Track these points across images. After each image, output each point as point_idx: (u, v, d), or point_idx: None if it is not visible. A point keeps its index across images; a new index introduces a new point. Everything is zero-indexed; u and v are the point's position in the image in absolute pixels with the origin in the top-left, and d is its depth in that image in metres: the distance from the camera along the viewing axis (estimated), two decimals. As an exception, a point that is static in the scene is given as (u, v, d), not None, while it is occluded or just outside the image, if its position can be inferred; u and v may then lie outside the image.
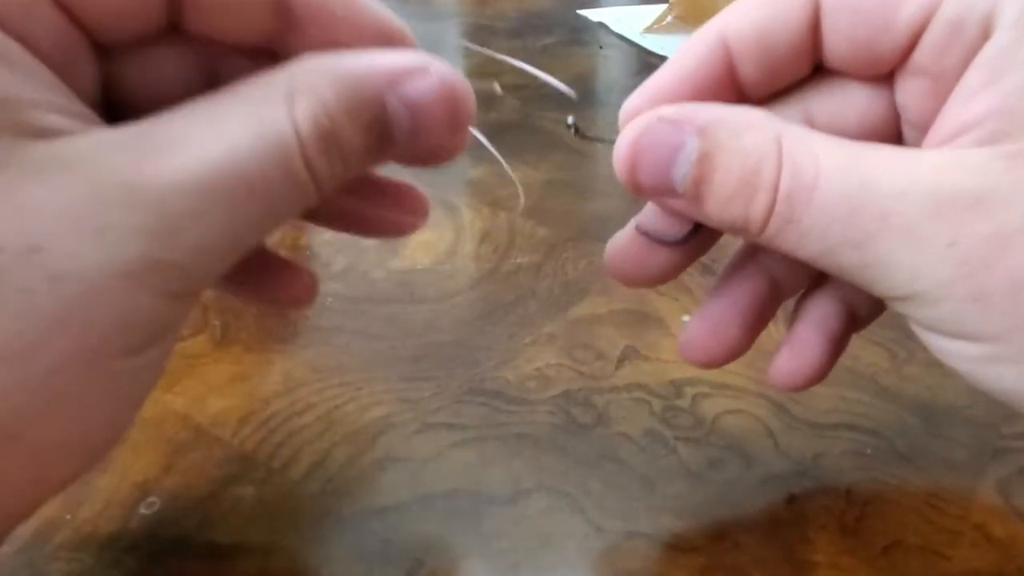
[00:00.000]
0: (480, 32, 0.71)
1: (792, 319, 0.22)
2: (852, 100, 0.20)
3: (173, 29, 0.17)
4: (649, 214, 0.21)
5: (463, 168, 0.42)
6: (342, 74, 0.16)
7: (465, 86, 0.17)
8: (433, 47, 0.74)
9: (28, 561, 0.21)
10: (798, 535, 0.22)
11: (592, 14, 0.75)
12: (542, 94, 0.55)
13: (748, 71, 0.20)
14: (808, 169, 0.18)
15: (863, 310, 0.22)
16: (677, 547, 0.22)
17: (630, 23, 0.70)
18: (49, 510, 0.23)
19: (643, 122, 0.19)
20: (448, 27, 0.73)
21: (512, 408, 0.27)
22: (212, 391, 0.27)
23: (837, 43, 0.19)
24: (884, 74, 0.20)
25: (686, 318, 0.31)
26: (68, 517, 0.22)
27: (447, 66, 0.17)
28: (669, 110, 0.19)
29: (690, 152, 0.18)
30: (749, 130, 0.18)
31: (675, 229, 0.20)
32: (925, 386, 0.28)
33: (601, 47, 0.67)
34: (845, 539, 0.22)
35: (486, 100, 0.54)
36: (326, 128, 0.16)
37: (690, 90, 0.20)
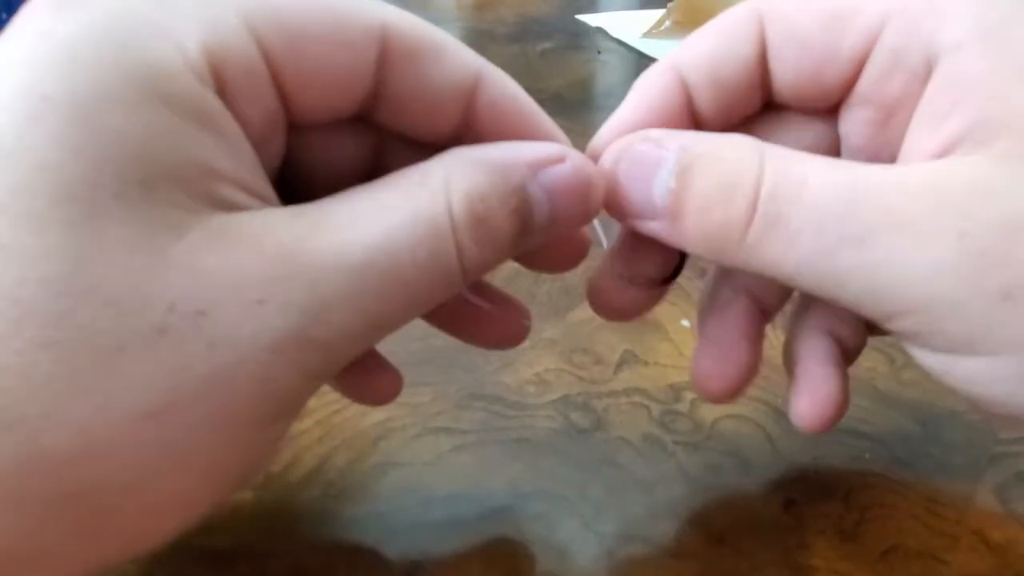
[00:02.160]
0: (479, 37, 0.71)
1: (791, 363, 0.22)
2: (801, 134, 0.21)
3: (360, 116, 0.18)
4: (626, 258, 0.21)
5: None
6: (492, 162, 0.17)
7: (597, 174, 0.18)
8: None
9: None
10: (796, 540, 0.22)
11: (590, 19, 0.75)
12: (541, 99, 0.55)
13: (703, 104, 0.20)
14: (795, 169, 0.17)
15: (849, 342, 0.22)
16: (675, 552, 0.22)
17: (628, 28, 0.70)
18: (48, 514, 0.23)
19: (624, 143, 0.19)
20: (447, 32, 0.73)
21: (511, 413, 0.27)
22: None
23: (784, 75, 0.20)
24: (831, 106, 0.20)
25: (685, 323, 0.31)
26: (67, 521, 0.22)
27: (583, 157, 0.18)
28: (652, 131, 0.19)
29: (671, 167, 0.18)
30: (730, 143, 0.18)
31: (652, 270, 0.21)
32: (923, 391, 0.28)
33: (599, 52, 0.67)
34: (843, 544, 0.22)
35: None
36: (479, 213, 0.16)
37: (651, 124, 0.20)
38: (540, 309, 0.32)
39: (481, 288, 0.22)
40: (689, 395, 0.28)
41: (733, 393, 0.21)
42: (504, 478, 0.24)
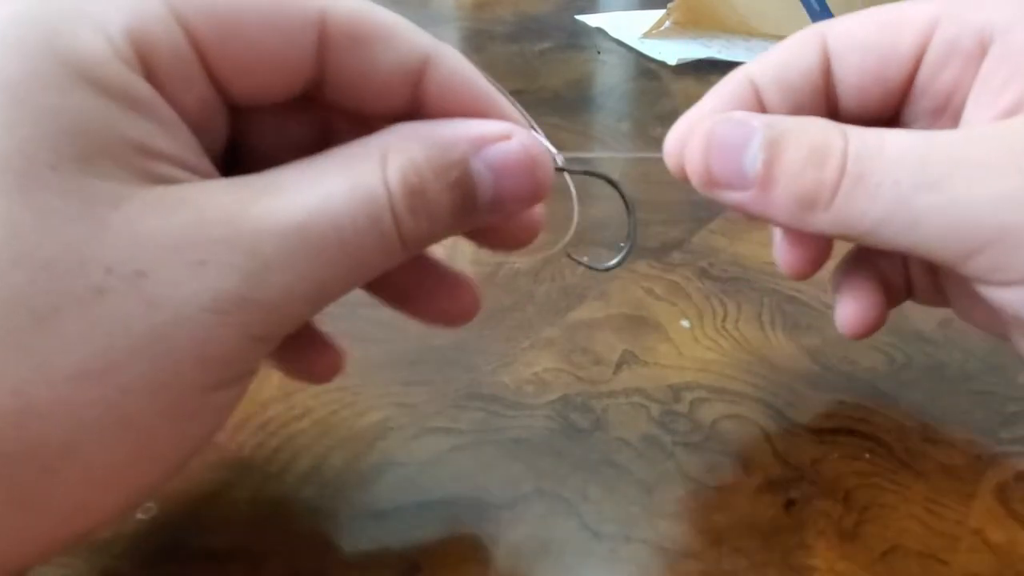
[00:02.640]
0: (478, 37, 0.71)
1: (838, 283, 0.25)
2: None
3: (305, 97, 0.18)
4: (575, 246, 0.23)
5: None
6: (432, 137, 0.17)
7: (544, 155, 0.19)
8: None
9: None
10: (796, 540, 0.22)
11: (590, 19, 0.75)
12: (540, 99, 0.55)
13: (772, 108, 0.23)
14: (871, 135, 0.20)
15: (892, 279, 0.25)
16: (675, 552, 0.22)
17: (628, 28, 0.70)
18: (44, 515, 0.22)
19: (710, 123, 0.21)
20: (446, 31, 0.73)
21: (510, 413, 0.27)
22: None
23: (849, 78, 0.22)
24: (892, 110, 0.23)
25: (685, 323, 0.31)
26: (63, 522, 0.22)
27: (531, 135, 0.18)
28: (735, 113, 0.21)
29: (759, 140, 0.20)
30: (810, 119, 0.21)
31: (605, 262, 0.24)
32: (923, 391, 0.28)
33: (599, 52, 0.67)
34: (843, 544, 0.22)
35: (586, 191, 0.54)
36: (415, 185, 0.17)
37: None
38: (539, 309, 0.32)
39: (427, 262, 0.22)
40: (688, 395, 0.27)
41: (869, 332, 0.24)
42: (503, 478, 0.24)
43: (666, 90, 0.58)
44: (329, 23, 0.17)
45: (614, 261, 0.24)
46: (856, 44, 0.22)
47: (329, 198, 0.16)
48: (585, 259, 0.23)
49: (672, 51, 0.63)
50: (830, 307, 0.32)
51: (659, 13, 0.69)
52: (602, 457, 0.25)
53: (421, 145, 0.17)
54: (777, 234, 0.24)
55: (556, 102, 0.54)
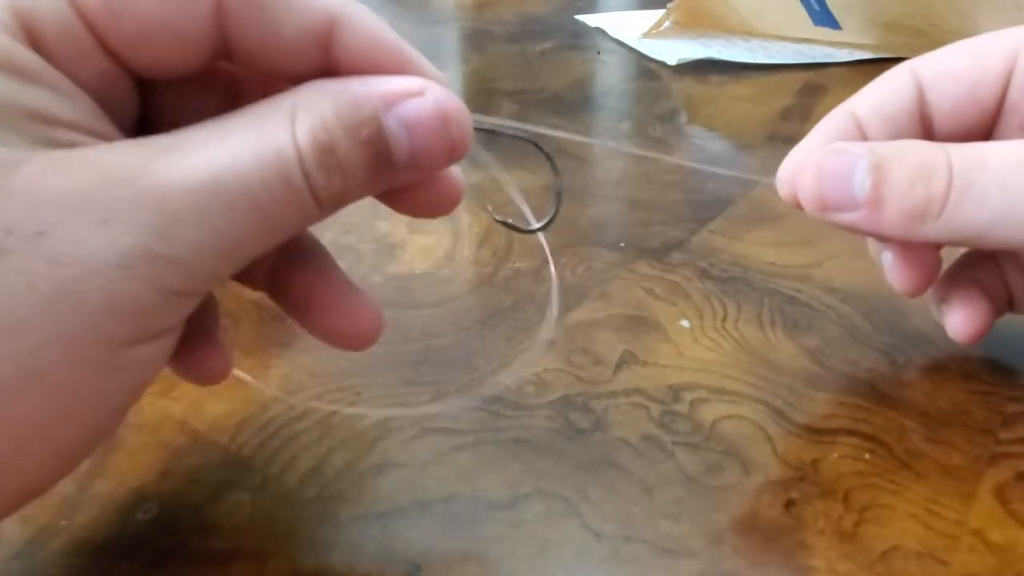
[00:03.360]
0: (478, 37, 0.71)
1: (944, 294, 0.27)
2: None
3: (218, 68, 0.19)
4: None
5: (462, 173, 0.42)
6: (342, 94, 0.17)
7: (461, 110, 0.18)
8: (431, 52, 0.74)
9: (23, 568, 0.21)
10: (796, 540, 0.22)
11: (590, 19, 0.75)
12: (540, 99, 0.55)
13: (873, 137, 0.25)
14: (972, 149, 0.22)
15: (994, 291, 0.27)
16: (675, 552, 0.22)
17: (628, 28, 0.70)
18: (44, 516, 0.23)
19: (817, 155, 0.24)
20: (446, 32, 0.73)
21: (510, 413, 0.27)
22: (210, 396, 0.27)
23: (943, 104, 0.25)
24: (984, 131, 0.26)
25: (685, 323, 0.31)
26: (64, 523, 0.22)
27: (446, 91, 0.18)
28: (838, 144, 0.24)
29: (864, 165, 0.23)
30: (909, 142, 0.23)
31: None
32: (923, 392, 0.28)
33: (599, 52, 0.67)
34: (843, 544, 0.22)
35: (484, 104, 0.54)
36: (323, 142, 0.17)
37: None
38: (539, 309, 0.32)
39: (333, 277, 0.22)
40: (688, 395, 0.27)
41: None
42: (503, 478, 0.24)
43: (666, 90, 0.58)
44: None
45: (540, 224, 0.23)
46: (947, 72, 0.25)
47: (238, 155, 0.16)
48: (510, 220, 0.23)
49: (672, 51, 0.63)
50: (830, 307, 0.32)
51: (659, 13, 0.69)
52: (602, 457, 0.25)
53: (330, 102, 0.17)
54: (888, 257, 0.26)
55: (556, 102, 0.54)
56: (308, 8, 0.18)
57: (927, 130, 0.26)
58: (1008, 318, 0.29)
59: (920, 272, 0.26)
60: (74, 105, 0.17)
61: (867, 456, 0.25)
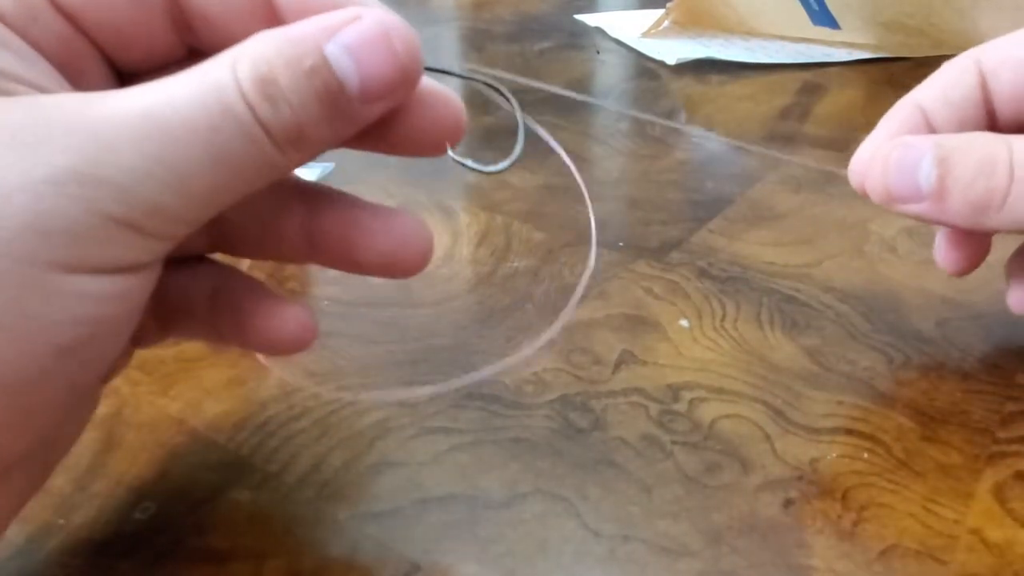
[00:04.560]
0: (478, 36, 0.71)
1: (1013, 271, 0.28)
2: None
3: (190, 54, 0.19)
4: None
5: (460, 172, 0.42)
6: (284, 34, 0.17)
7: (403, 26, 0.18)
8: (430, 51, 0.74)
9: (21, 568, 0.21)
10: (795, 540, 0.22)
11: (589, 19, 0.75)
12: (539, 98, 0.55)
13: (939, 125, 0.27)
14: None
15: None
16: (674, 551, 0.22)
17: (627, 28, 0.70)
18: (42, 515, 0.22)
19: (884, 150, 0.25)
20: (445, 31, 0.73)
21: (509, 412, 0.27)
22: (208, 395, 0.27)
23: (1004, 93, 0.26)
24: None
25: (684, 323, 0.31)
26: (61, 522, 0.22)
27: (385, 11, 0.18)
28: (905, 138, 0.25)
29: (930, 159, 0.24)
30: (973, 135, 0.24)
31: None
32: (921, 391, 0.28)
33: (598, 52, 0.67)
34: (841, 543, 0.22)
35: (483, 104, 0.54)
36: (264, 73, 0.17)
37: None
38: (538, 308, 0.32)
39: (254, 287, 0.21)
40: (687, 395, 0.27)
41: None
42: (502, 478, 0.24)
43: (665, 89, 0.58)
44: None
45: (501, 165, 0.22)
46: (1008, 60, 0.26)
47: (176, 90, 0.16)
48: (469, 161, 0.22)
49: (671, 50, 0.63)
50: (829, 307, 0.32)
51: (658, 13, 0.69)
52: (601, 457, 0.25)
53: (270, 40, 0.17)
54: (939, 236, 0.28)
55: (556, 102, 0.54)
56: None
57: (991, 118, 0.27)
58: (1007, 318, 0.29)
59: (967, 255, 0.28)
60: (29, 65, 0.17)
61: (865, 455, 0.25)
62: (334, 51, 0.17)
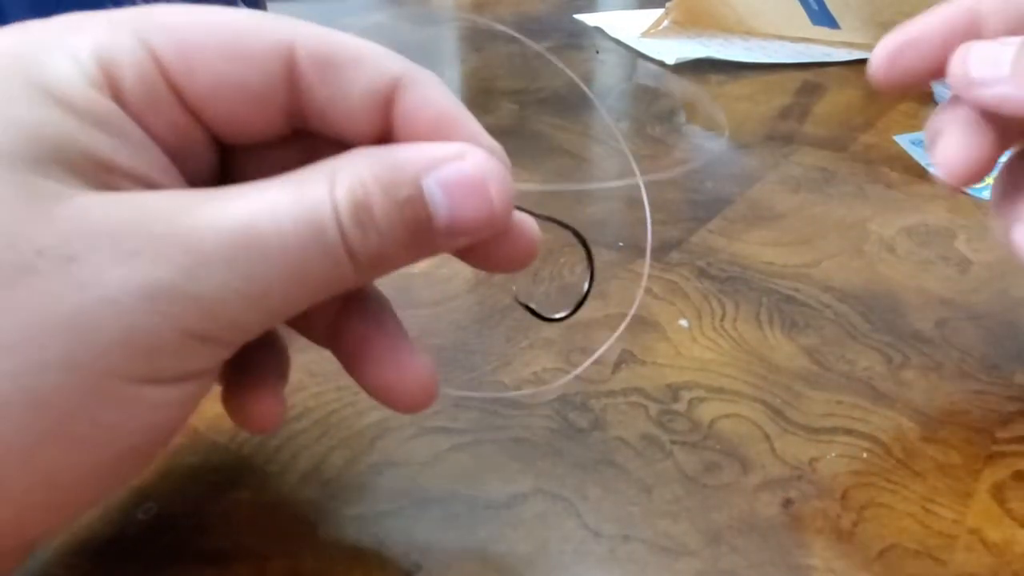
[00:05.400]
0: (477, 37, 0.71)
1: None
2: None
3: (293, 132, 0.19)
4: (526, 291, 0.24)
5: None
6: (385, 157, 0.18)
7: (503, 175, 0.18)
8: (430, 51, 0.74)
9: (24, 568, 0.21)
10: (794, 539, 0.22)
11: (588, 18, 0.75)
12: (539, 99, 0.55)
13: (994, 29, 0.25)
14: None
15: None
16: (673, 551, 0.22)
17: (627, 28, 0.70)
18: (45, 515, 0.23)
19: (966, 46, 0.24)
20: (445, 31, 0.73)
21: (509, 412, 0.27)
22: (209, 396, 0.27)
23: None
24: None
25: (683, 322, 0.31)
26: (64, 522, 0.22)
27: (488, 156, 0.18)
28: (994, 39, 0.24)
29: (1012, 51, 0.23)
30: None
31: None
32: (920, 390, 0.28)
33: (597, 52, 0.67)
34: (841, 543, 0.22)
35: (483, 104, 0.54)
36: (360, 198, 0.17)
37: (943, 33, 0.25)
38: (538, 309, 0.32)
39: (389, 331, 0.21)
40: (687, 395, 0.28)
41: None
42: (502, 478, 0.24)
43: (665, 89, 0.58)
44: (298, 51, 0.18)
45: (564, 313, 0.23)
46: None
47: (274, 206, 0.16)
48: (533, 305, 0.23)
49: (670, 50, 0.63)
50: (828, 306, 0.32)
51: (657, 12, 0.69)
52: (601, 456, 0.25)
53: (371, 163, 0.17)
54: (949, 135, 0.25)
55: (555, 102, 0.54)
56: (376, 67, 0.18)
57: None
58: (1007, 317, 0.29)
59: (977, 156, 0.25)
60: (139, 155, 0.17)
61: (865, 455, 0.25)
62: (431, 186, 0.18)
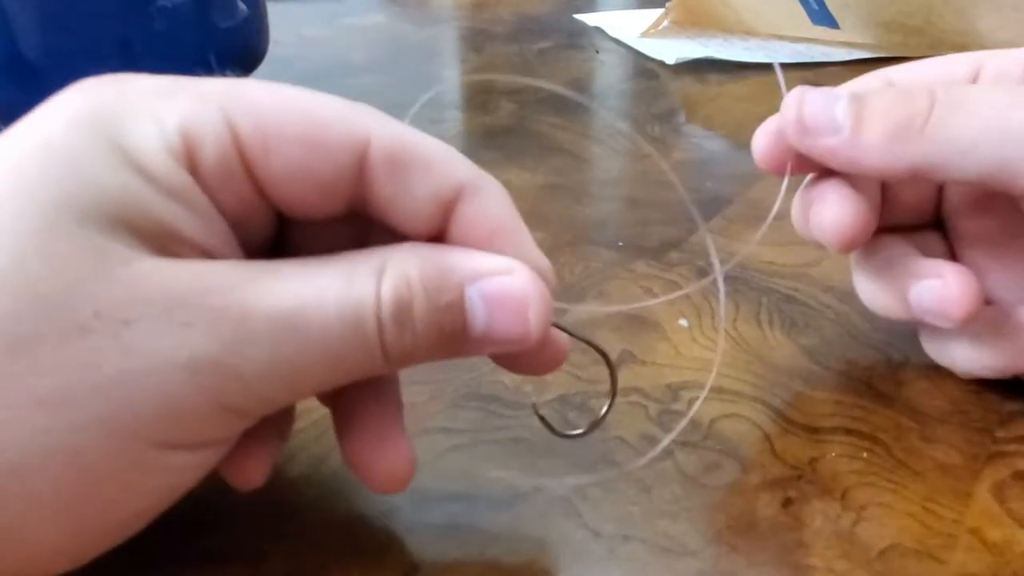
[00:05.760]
0: (477, 36, 0.71)
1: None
2: None
3: (351, 212, 0.19)
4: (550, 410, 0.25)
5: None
6: (435, 259, 0.18)
7: (544, 298, 0.19)
8: (430, 51, 0.74)
9: (23, 566, 0.21)
10: (794, 539, 0.22)
11: (588, 18, 0.75)
12: (538, 98, 0.55)
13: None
14: (956, 87, 0.23)
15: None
16: (673, 551, 0.22)
17: (626, 28, 0.70)
18: (44, 515, 0.22)
19: (798, 95, 0.25)
20: (445, 31, 0.73)
21: (508, 412, 0.27)
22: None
23: None
24: None
25: (683, 322, 0.31)
26: (63, 522, 0.22)
27: (534, 277, 0.19)
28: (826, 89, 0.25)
29: (844, 101, 0.24)
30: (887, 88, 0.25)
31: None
32: (920, 390, 0.28)
33: (597, 52, 0.67)
34: (841, 543, 0.22)
35: (483, 104, 0.54)
36: (404, 298, 0.17)
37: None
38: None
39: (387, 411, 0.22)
40: (687, 395, 0.27)
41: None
42: (501, 478, 0.24)
43: (664, 89, 0.58)
44: (372, 147, 0.18)
45: (582, 430, 0.24)
46: (916, 78, 0.27)
47: (322, 292, 0.17)
48: (553, 423, 0.24)
49: (670, 50, 0.63)
50: (828, 306, 0.32)
51: (657, 12, 0.69)
52: (601, 456, 0.25)
53: (420, 263, 0.18)
54: (823, 202, 0.25)
55: (555, 102, 0.54)
56: (444, 173, 0.19)
57: None
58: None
59: (860, 217, 0.24)
60: (205, 226, 0.17)
61: (865, 455, 0.25)
62: (473, 295, 0.18)
